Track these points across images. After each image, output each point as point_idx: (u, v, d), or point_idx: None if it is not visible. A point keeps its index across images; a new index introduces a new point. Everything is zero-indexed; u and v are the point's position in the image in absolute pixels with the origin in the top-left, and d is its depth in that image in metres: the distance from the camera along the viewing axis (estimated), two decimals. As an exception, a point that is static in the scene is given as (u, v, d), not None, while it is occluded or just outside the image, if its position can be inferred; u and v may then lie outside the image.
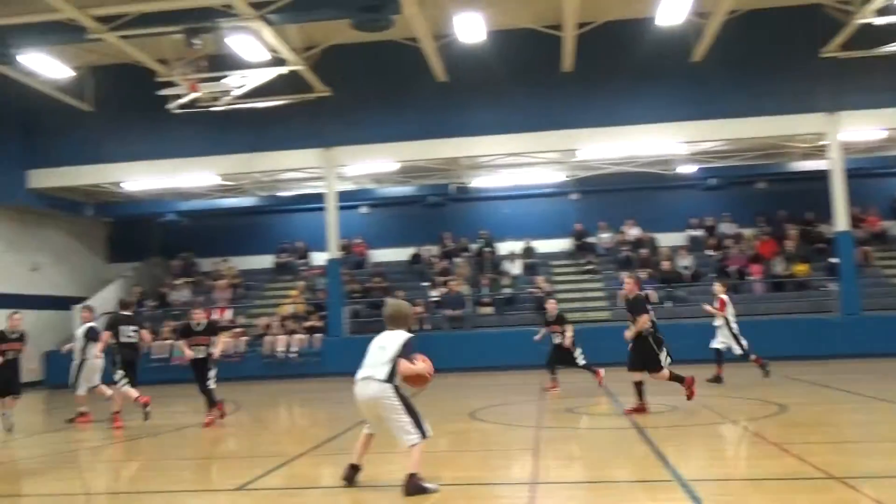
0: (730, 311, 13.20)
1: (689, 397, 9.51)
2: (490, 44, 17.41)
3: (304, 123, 18.98)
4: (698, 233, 23.29)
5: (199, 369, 10.48)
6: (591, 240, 23.55)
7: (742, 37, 17.50)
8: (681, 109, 18.18)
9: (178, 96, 16.30)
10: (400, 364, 5.64)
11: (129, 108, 19.23)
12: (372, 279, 22.31)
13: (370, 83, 19.01)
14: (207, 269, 24.70)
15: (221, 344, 10.99)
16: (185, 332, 10.65)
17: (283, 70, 16.66)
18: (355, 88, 18.88)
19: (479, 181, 22.89)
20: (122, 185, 21.11)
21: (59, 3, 13.27)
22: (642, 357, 9.35)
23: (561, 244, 23.88)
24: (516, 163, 21.54)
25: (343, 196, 20.66)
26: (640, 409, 9.34)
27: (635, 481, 6.01)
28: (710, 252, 22.27)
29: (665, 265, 21.17)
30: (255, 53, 15.88)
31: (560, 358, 13.31)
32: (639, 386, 9.41)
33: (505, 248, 23.49)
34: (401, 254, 24.13)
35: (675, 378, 9.46)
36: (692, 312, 19.64)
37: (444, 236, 23.94)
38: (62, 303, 21.28)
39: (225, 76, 16.13)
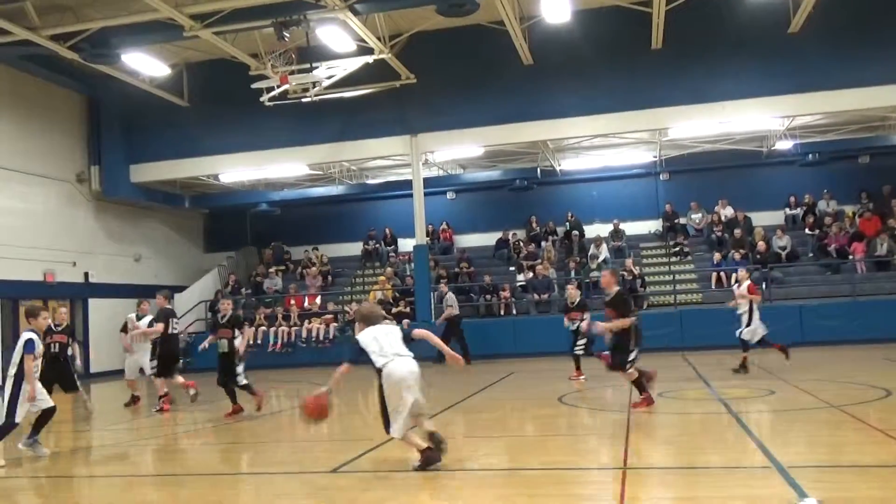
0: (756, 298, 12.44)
1: (636, 405, 8.94)
2: (576, 23, 17.17)
3: (390, 111, 19.19)
4: (796, 211, 22.45)
5: (221, 363, 10.29)
6: (681, 221, 23.02)
7: (841, 5, 16.70)
8: (777, 83, 17.48)
9: (270, 89, 16.73)
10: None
11: (223, 101, 19.84)
12: (459, 264, 22.44)
13: (455, 68, 19.04)
14: (298, 256, 25.34)
15: (245, 338, 10.73)
16: (214, 324, 10.76)
17: (370, 59, 16.88)
18: (440, 74, 18.94)
19: (566, 164, 22.67)
20: (217, 176, 21.86)
21: (158, 2, 13.80)
22: (618, 356, 8.90)
23: (650, 226, 23.45)
24: (604, 144, 21.21)
25: (429, 182, 20.82)
26: (647, 401, 8.88)
27: (730, 467, 5.86)
28: (809, 231, 21.44)
29: (760, 246, 20.50)
30: (343, 44, 16.15)
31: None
32: (638, 380, 8.95)
33: (592, 230, 23.21)
34: (487, 239, 24.17)
35: (637, 384, 8.94)
36: (788, 294, 19.02)
37: (531, 220, 23.83)
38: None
39: (314, 67, 16.44)
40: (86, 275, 20.50)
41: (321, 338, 20.45)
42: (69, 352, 10.43)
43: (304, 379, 15.67)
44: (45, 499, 6.53)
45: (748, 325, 12.20)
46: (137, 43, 16.13)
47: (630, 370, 8.85)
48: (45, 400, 7.79)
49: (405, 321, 18.07)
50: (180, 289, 22.29)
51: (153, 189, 22.09)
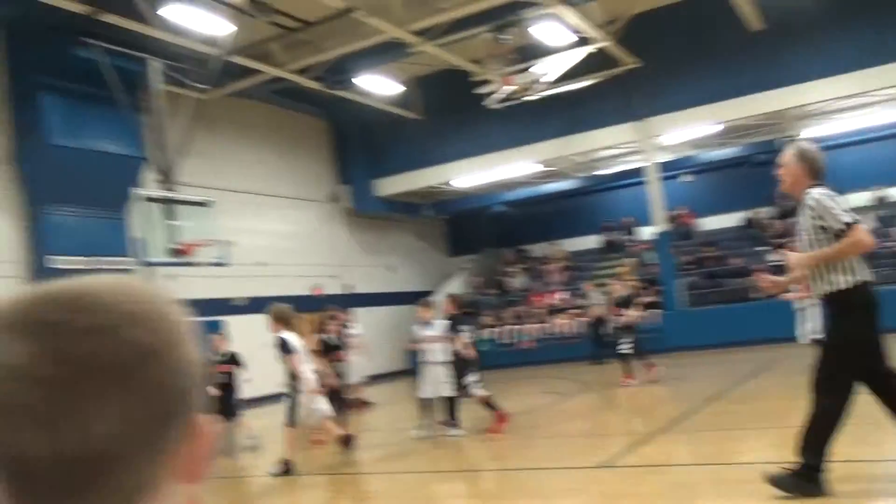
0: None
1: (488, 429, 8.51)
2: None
3: (614, 99, 18.88)
4: None
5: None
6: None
7: None
8: None
9: (495, 92, 17.15)
10: None
11: (451, 110, 20.65)
12: (703, 249, 21.50)
13: (678, 46, 18.32)
14: (538, 254, 25.65)
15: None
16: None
17: (590, 49, 16.75)
18: (664, 54, 18.32)
19: (809, 131, 20.90)
20: (452, 183, 22.78)
21: (384, 25, 14.70)
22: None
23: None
24: (852, 105, 19.32)
25: (663, 166, 20.18)
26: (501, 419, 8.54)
27: None
28: None
29: None
30: (561, 37, 16.18)
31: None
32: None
33: (853, 200, 21.14)
34: (731, 219, 22.94)
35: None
36: None
37: (777, 196, 22.22)
38: (415, 297, 23.51)
39: (534, 65, 16.62)
40: (347, 286, 22.22)
41: (568, 333, 20.53)
42: (232, 380, 10.17)
43: (559, 376, 15.82)
44: (341, 489, 7.18)
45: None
46: (370, 65, 17.27)
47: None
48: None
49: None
50: (428, 293, 23.46)
51: (396, 201, 23.47)
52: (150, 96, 14.82)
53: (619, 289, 13.53)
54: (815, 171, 4.77)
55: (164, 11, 13.14)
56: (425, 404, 9.48)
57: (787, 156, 4.86)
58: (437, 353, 9.36)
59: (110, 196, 14.99)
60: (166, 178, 15.01)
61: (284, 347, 8.06)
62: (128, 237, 15.45)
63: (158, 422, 0.67)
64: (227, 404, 9.81)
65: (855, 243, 4.47)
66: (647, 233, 22.50)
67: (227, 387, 9.96)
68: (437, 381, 9.25)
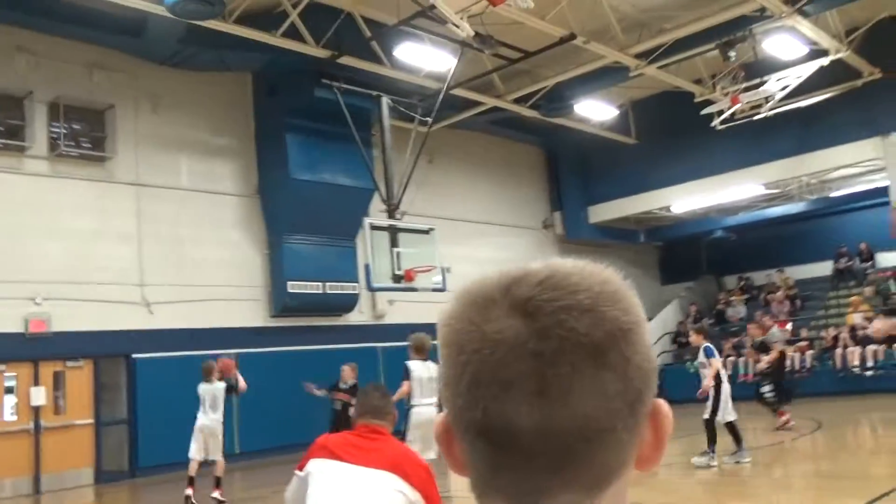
0: None
1: None
2: None
3: (852, 113, 17.42)
4: None
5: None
6: None
7: None
8: None
9: (720, 112, 16.44)
10: None
11: (668, 133, 20.00)
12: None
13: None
14: (761, 281, 24.14)
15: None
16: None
17: (825, 61, 15.62)
18: (911, 62, 16.72)
19: None
20: (670, 208, 22.02)
21: (605, 50, 14.57)
22: None
23: None
24: None
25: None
26: None
27: None
28: None
29: None
30: (793, 50, 15.23)
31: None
32: None
33: None
34: None
35: None
36: None
37: None
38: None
39: (764, 81, 15.76)
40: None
41: (797, 366, 19.07)
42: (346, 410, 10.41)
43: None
44: None
45: None
46: (587, 91, 17.16)
47: None
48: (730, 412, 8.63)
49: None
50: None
51: (609, 227, 23.07)
52: (379, 131, 15.61)
53: (756, 332, 12.69)
54: None
55: (397, 52, 13.83)
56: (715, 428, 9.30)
57: None
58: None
59: (342, 225, 15.93)
60: (392, 208, 15.68)
61: (407, 375, 8.14)
62: (356, 264, 16.30)
63: (632, 401, 0.68)
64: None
65: None
66: (889, 259, 20.50)
67: (341, 415, 10.41)
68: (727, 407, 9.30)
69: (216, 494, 9.69)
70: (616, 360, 0.68)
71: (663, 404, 0.73)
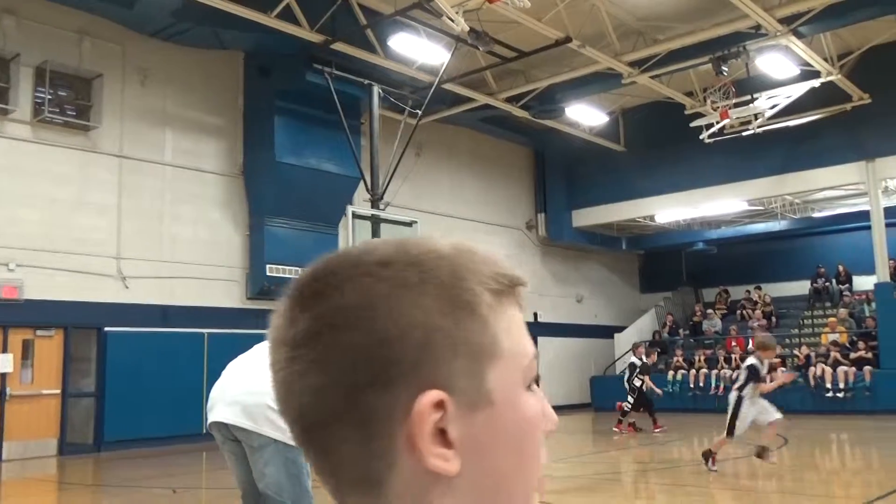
0: None
1: None
2: None
3: (840, 136, 17.57)
4: None
5: None
6: None
7: None
8: None
9: (709, 126, 16.52)
10: None
11: (657, 143, 20.08)
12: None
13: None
14: (738, 296, 24.31)
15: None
16: None
17: (816, 83, 15.73)
18: (899, 90, 16.86)
19: None
20: (653, 217, 22.11)
21: (599, 54, 14.58)
22: None
23: None
24: None
25: (889, 212, 18.51)
26: None
27: None
28: None
29: None
30: (785, 70, 15.32)
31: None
32: None
33: None
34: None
35: None
36: None
37: None
38: (602, 331, 23.05)
39: (754, 99, 15.84)
40: (535, 315, 22.14)
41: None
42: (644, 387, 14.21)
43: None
44: None
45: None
46: (579, 95, 17.19)
47: None
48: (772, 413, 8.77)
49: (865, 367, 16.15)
50: (619, 329, 22.89)
51: (592, 232, 23.13)
52: (368, 120, 15.54)
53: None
54: None
55: (392, 42, 13.77)
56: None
57: None
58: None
59: (325, 212, 15.85)
60: (376, 198, 15.63)
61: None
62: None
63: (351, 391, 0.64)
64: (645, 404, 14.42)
65: None
66: (865, 283, 20.70)
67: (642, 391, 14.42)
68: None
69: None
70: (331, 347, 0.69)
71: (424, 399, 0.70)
